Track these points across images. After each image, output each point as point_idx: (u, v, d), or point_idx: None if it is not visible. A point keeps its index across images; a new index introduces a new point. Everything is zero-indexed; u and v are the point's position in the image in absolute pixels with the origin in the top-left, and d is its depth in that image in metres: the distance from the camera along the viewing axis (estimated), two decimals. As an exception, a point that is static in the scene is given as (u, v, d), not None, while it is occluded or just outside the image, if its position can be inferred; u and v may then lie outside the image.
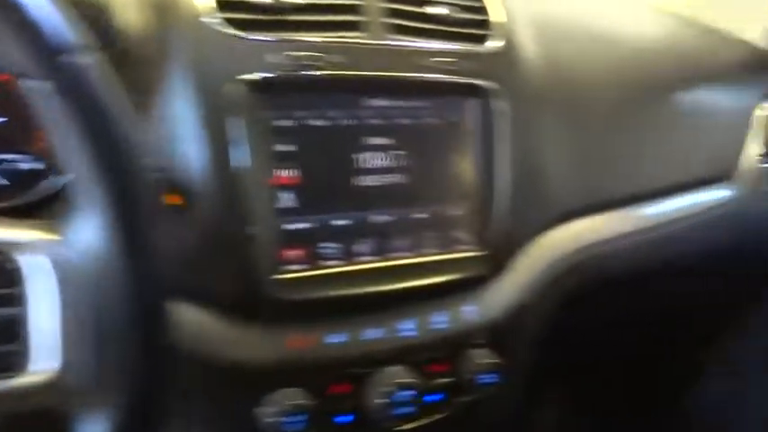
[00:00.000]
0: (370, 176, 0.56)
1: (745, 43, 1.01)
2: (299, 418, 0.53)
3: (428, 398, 0.59)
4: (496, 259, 0.62)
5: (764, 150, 0.91)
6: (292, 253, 0.53)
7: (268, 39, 0.52)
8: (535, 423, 1.28)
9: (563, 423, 1.29)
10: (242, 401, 0.53)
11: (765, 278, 1.02)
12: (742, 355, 1.10)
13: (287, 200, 0.53)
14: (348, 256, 0.56)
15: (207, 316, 0.52)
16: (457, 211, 0.60)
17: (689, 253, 0.82)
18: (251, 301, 0.52)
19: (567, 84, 0.74)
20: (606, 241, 0.73)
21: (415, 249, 0.58)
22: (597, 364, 1.20)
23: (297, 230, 0.53)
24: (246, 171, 0.50)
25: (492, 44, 0.62)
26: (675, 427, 1.18)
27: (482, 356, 0.61)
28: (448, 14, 0.60)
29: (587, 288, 0.72)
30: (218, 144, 0.50)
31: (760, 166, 0.91)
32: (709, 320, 1.09)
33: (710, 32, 1.00)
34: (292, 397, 0.53)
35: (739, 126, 0.91)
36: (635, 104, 0.81)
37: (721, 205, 0.86)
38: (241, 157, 0.50)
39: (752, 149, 0.91)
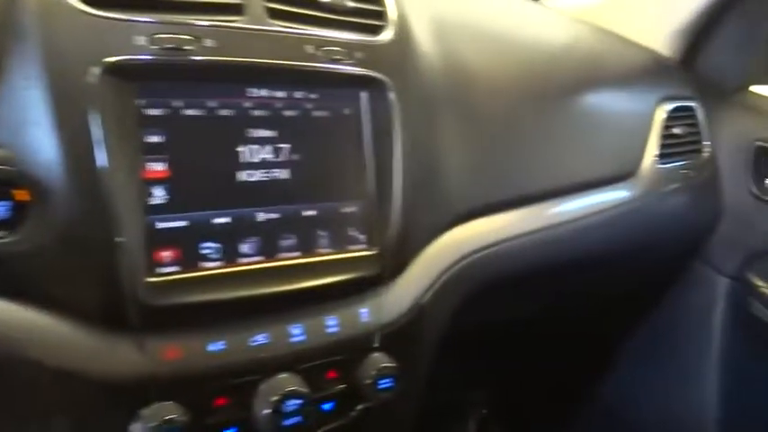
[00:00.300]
0: (254, 171, 0.53)
1: (644, 49, 1.04)
2: (176, 433, 0.48)
3: (320, 406, 0.56)
4: (392, 260, 0.59)
5: (662, 152, 0.93)
6: (166, 254, 0.49)
7: (135, 19, 0.48)
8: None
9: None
10: (113, 419, 0.48)
11: (664, 273, 1.05)
12: (647, 346, 1.12)
13: (159, 196, 0.48)
14: (230, 257, 0.52)
15: (71, 326, 0.47)
16: (349, 208, 0.58)
17: (591, 250, 0.83)
18: (120, 309, 0.47)
19: (466, 83, 0.73)
20: (506, 240, 0.72)
21: (304, 249, 0.55)
22: (506, 363, 1.21)
23: (171, 229, 0.49)
24: (110, 165, 0.46)
25: (385, 36, 0.60)
26: (588, 420, 1.20)
27: (377, 361, 0.58)
28: (339, 2, 0.57)
29: (488, 287, 0.71)
30: (77, 135, 0.45)
31: (658, 166, 0.93)
32: (614, 314, 1.12)
33: (611, 37, 1.03)
34: (169, 411, 0.48)
35: (640, 128, 0.94)
36: (536, 105, 0.81)
37: (622, 204, 0.87)
38: (104, 149, 0.45)
39: (651, 151, 0.93)
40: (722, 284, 1.01)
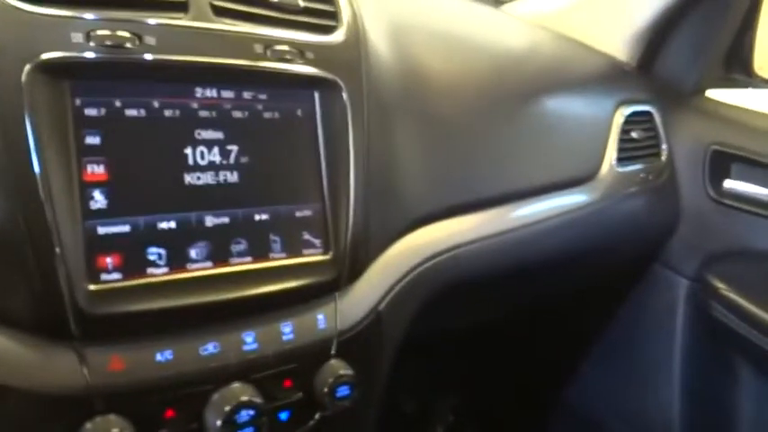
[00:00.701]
0: (202, 174, 0.51)
1: (602, 54, 1.05)
2: (121, 449, 0.46)
3: (276, 416, 0.54)
4: (348, 265, 0.58)
5: (620, 155, 0.94)
6: (109, 260, 0.47)
7: (73, 15, 0.46)
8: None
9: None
10: (49, 432, 0.46)
11: (625, 275, 1.05)
12: (611, 348, 1.13)
13: (99, 200, 0.46)
14: (177, 263, 0.50)
15: (6, 337, 0.45)
16: (303, 212, 0.56)
17: (550, 253, 0.83)
18: (60, 319, 0.45)
19: (423, 86, 0.72)
20: (466, 244, 0.71)
21: (255, 254, 0.53)
22: (472, 367, 1.20)
23: (113, 234, 0.47)
24: (46, 167, 0.44)
25: (337, 36, 0.59)
26: (555, 421, 1.20)
27: (334, 369, 0.56)
28: (289, 2, 0.56)
29: (448, 292, 0.70)
30: (10, 136, 0.43)
31: (616, 170, 0.93)
32: (576, 316, 1.12)
33: (570, 43, 1.03)
34: (113, 425, 0.46)
35: (598, 132, 0.94)
36: (494, 110, 0.81)
37: (581, 207, 0.87)
38: (38, 150, 0.43)
39: (609, 154, 0.93)
40: (682, 286, 1.01)
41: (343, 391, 0.56)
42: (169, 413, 0.49)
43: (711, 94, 1.11)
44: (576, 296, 1.06)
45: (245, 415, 0.51)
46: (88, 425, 0.46)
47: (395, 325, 0.65)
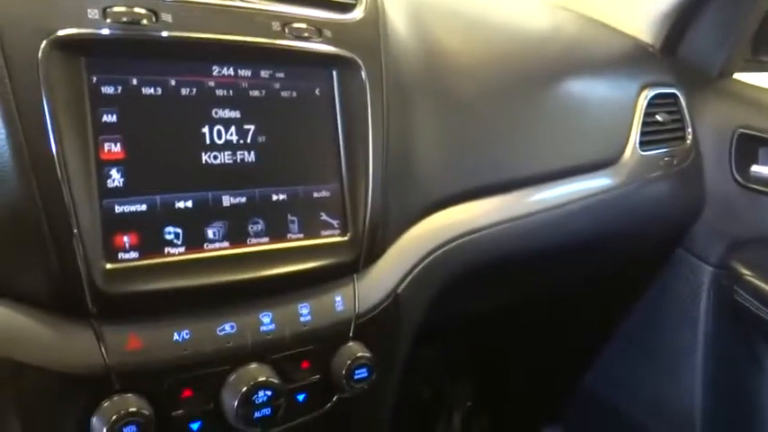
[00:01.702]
0: (219, 153, 0.50)
1: (626, 36, 1.03)
2: (140, 427, 0.46)
3: (293, 398, 0.54)
4: (367, 247, 0.57)
5: (644, 139, 0.92)
6: (126, 239, 0.47)
7: None
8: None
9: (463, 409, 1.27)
10: (71, 413, 0.46)
11: (648, 261, 1.03)
12: (633, 334, 1.11)
13: (115, 178, 0.46)
14: (195, 243, 0.49)
15: (25, 315, 0.45)
16: (321, 193, 0.55)
17: (572, 238, 0.81)
18: (78, 297, 0.45)
19: (443, 67, 0.71)
20: (485, 228, 0.70)
21: (273, 235, 0.53)
22: (491, 353, 1.19)
23: (130, 213, 0.47)
24: (62, 145, 0.43)
25: (356, 14, 0.58)
26: (574, 408, 1.19)
27: (352, 351, 0.56)
28: None
29: (467, 276, 0.69)
30: (27, 113, 0.43)
31: (640, 153, 0.91)
32: (598, 302, 1.10)
33: (593, 24, 1.01)
34: (131, 404, 0.46)
35: (622, 115, 0.92)
36: (515, 92, 0.80)
37: (604, 191, 0.86)
38: (54, 128, 0.43)
39: (633, 138, 0.92)
40: (706, 273, 0.99)
41: (361, 373, 0.56)
42: (186, 393, 0.49)
43: (738, 76, 1.08)
44: (598, 282, 1.04)
45: (262, 396, 0.50)
46: (106, 403, 0.46)
47: (413, 308, 0.64)
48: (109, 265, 0.45)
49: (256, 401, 0.50)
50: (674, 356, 1.05)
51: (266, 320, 0.52)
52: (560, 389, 1.21)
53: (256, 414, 0.50)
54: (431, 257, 0.65)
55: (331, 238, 0.56)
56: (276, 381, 0.51)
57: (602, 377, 1.16)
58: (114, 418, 0.45)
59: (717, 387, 1.02)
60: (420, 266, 0.64)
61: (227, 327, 0.51)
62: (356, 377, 0.55)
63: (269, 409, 0.51)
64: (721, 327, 1.00)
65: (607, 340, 1.14)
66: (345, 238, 0.56)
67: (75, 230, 0.44)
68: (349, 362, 0.55)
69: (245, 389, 0.50)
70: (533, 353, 1.22)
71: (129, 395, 0.46)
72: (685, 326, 1.02)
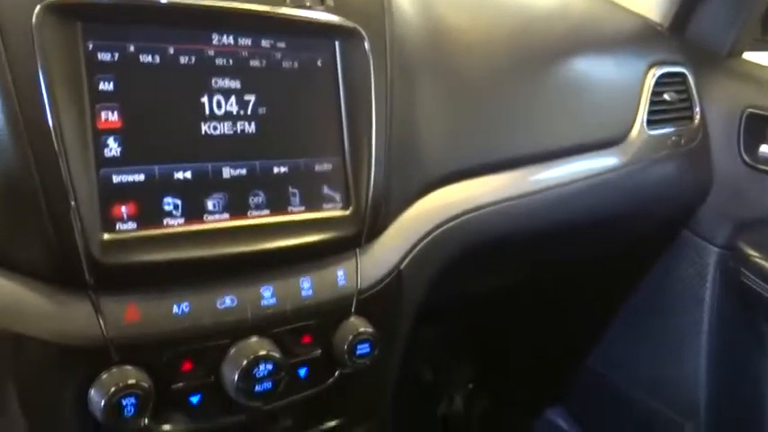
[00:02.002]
0: (218, 124, 0.50)
1: (634, 14, 1.01)
2: (139, 399, 0.45)
3: (294, 373, 0.53)
4: (369, 221, 0.56)
5: (651, 118, 0.91)
6: (123, 209, 0.46)
7: None
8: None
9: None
10: (69, 385, 0.46)
11: (654, 242, 1.02)
12: (637, 315, 1.10)
13: (113, 147, 0.45)
14: (194, 214, 0.49)
15: (21, 285, 0.44)
16: (323, 166, 0.55)
17: (577, 217, 0.80)
18: (75, 268, 0.44)
19: (448, 43, 0.70)
20: (489, 205, 0.69)
21: (274, 207, 0.52)
22: (492, 334, 1.19)
23: (128, 183, 0.46)
24: (58, 113, 0.42)
25: (359, -17, 0.57)
26: (577, 389, 1.18)
27: (354, 326, 0.55)
28: None
29: (470, 253, 0.68)
30: (21, 81, 0.42)
31: (647, 133, 0.90)
32: (602, 283, 1.09)
33: (601, 3, 1.00)
34: (130, 376, 0.46)
35: (629, 94, 0.91)
36: (521, 69, 0.78)
37: (609, 171, 0.85)
38: (49, 96, 0.42)
39: (640, 117, 0.90)
40: (713, 254, 0.98)
41: (363, 348, 0.55)
42: (186, 366, 0.49)
43: (748, 56, 1.06)
44: (602, 263, 1.03)
45: (263, 369, 0.50)
46: (104, 375, 0.45)
47: (416, 285, 0.63)
48: (106, 236, 0.45)
49: (257, 375, 0.50)
50: (679, 338, 1.04)
51: (267, 294, 0.52)
52: (563, 370, 1.20)
53: (257, 388, 0.50)
54: (434, 234, 0.64)
55: (333, 211, 0.55)
56: (277, 355, 0.51)
57: (605, 359, 1.15)
58: (113, 390, 0.45)
59: (721, 369, 1.02)
60: (423, 243, 0.63)
61: (228, 300, 0.50)
62: (358, 352, 0.55)
63: (270, 383, 0.50)
64: (727, 309, 0.99)
65: (610, 321, 1.13)
66: (347, 212, 0.55)
67: (72, 201, 0.43)
68: (351, 337, 0.55)
69: (245, 362, 0.49)
70: (535, 334, 1.21)
71: (128, 367, 0.46)
72: (690, 308, 1.01)
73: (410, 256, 0.61)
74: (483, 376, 1.28)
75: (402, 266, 0.60)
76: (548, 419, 1.25)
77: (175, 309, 0.48)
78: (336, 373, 0.56)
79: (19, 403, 0.46)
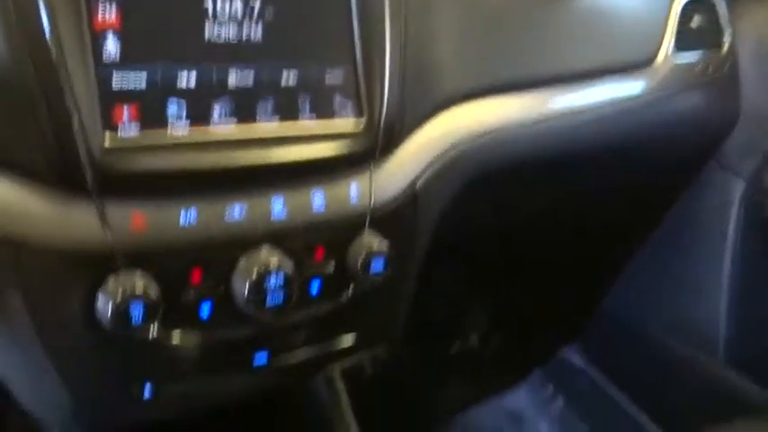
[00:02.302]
0: (223, 27, 0.47)
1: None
2: (147, 306, 0.44)
3: (304, 288, 0.52)
4: (383, 134, 0.54)
5: (678, 45, 0.87)
6: (124, 113, 0.44)
7: None
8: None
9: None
10: (74, 293, 0.45)
11: (677, 174, 0.99)
12: (656, 252, 1.08)
13: (111, 47, 0.43)
14: (199, 121, 0.46)
15: (22, 189, 0.43)
16: (334, 74, 0.52)
17: (598, 145, 0.77)
18: (75, 173, 0.42)
19: None
20: (507, 126, 0.66)
21: (283, 114, 0.49)
22: (508, 273, 1.17)
23: (129, 84, 0.44)
24: (52, 11, 0.40)
25: None
26: (592, 331, 1.17)
27: (367, 242, 0.54)
28: None
29: (487, 177, 0.66)
30: None
31: (673, 61, 0.86)
32: (622, 217, 1.07)
33: None
34: (138, 282, 0.44)
35: (655, 18, 0.86)
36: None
37: (633, 98, 0.81)
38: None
39: (666, 43, 0.86)
40: (738, 188, 0.95)
41: (377, 265, 0.53)
42: (195, 277, 0.48)
43: (783, -19, 1.01)
44: (623, 194, 1.00)
45: (274, 281, 0.48)
46: (111, 280, 0.44)
47: (431, 206, 0.61)
48: (108, 140, 0.43)
49: (268, 287, 0.48)
50: (700, 275, 1.02)
51: (278, 206, 0.50)
52: (580, 309, 1.19)
53: (268, 301, 0.49)
54: (450, 153, 0.61)
55: (345, 121, 0.52)
56: (289, 266, 0.49)
57: (624, 297, 1.13)
58: (120, 294, 0.43)
59: (743, 307, 1.00)
60: (439, 162, 0.61)
61: (237, 210, 0.48)
62: (372, 269, 0.53)
63: (281, 295, 0.49)
64: (750, 245, 0.97)
65: (630, 258, 1.11)
66: (361, 123, 0.53)
67: (71, 103, 0.41)
68: (364, 253, 0.53)
69: (256, 274, 0.48)
70: (552, 271, 1.19)
71: (136, 273, 0.45)
72: (712, 243, 0.98)
73: (426, 174, 0.59)
74: (498, 315, 1.27)
75: (418, 185, 0.58)
76: (563, 359, 1.24)
77: (182, 219, 0.46)
78: (349, 290, 0.55)
79: (25, 313, 0.45)
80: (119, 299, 0.43)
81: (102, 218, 0.44)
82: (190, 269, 0.47)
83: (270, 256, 0.49)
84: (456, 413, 1.18)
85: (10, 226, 0.42)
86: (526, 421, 1.21)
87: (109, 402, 0.50)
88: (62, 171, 0.43)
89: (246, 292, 0.48)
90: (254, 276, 0.48)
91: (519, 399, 1.23)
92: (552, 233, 1.11)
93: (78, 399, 0.49)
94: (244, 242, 0.49)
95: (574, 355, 1.23)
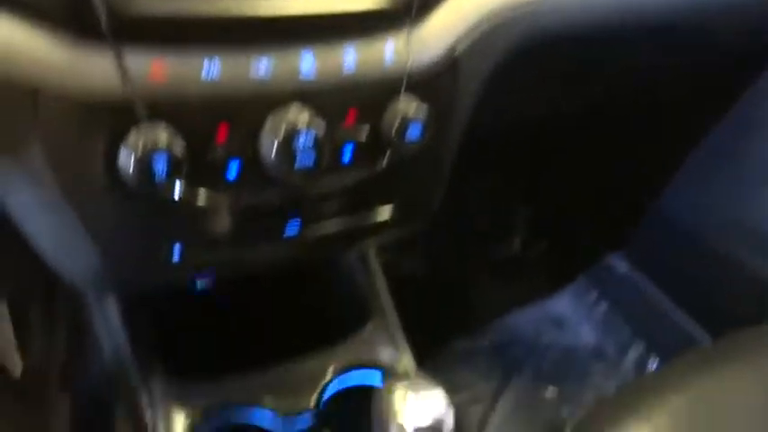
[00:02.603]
0: None
1: None
2: (171, 160, 0.42)
3: (335, 152, 0.49)
4: None
5: None
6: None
7: None
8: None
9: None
10: (94, 147, 0.43)
11: (737, 56, 0.91)
12: (715, 147, 1.02)
13: None
14: (223, -38, 0.43)
15: (28, 30, 0.40)
16: None
17: (654, 17, 0.70)
18: (88, 12, 0.40)
19: None
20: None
21: None
22: (553, 172, 1.12)
23: None
24: None
25: None
26: (642, 233, 1.12)
27: (404, 106, 0.50)
28: None
29: (534, 51, 0.60)
30: None
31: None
32: (676, 108, 1.00)
33: None
34: (161, 133, 0.42)
35: None
36: None
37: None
38: None
39: None
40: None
41: (414, 131, 0.50)
42: (221, 134, 0.45)
43: None
44: (680, 81, 0.93)
45: (303, 140, 0.46)
46: (133, 133, 0.42)
47: (472, 75, 0.57)
48: None
49: (297, 147, 0.46)
50: (758, 173, 0.95)
51: (307, 62, 0.46)
52: (626, 212, 1.14)
53: (297, 162, 0.46)
54: (495, 17, 0.56)
55: (379, -27, 0.48)
56: (319, 127, 0.46)
57: (675, 197, 1.08)
58: (142, 148, 0.41)
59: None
60: (481, 27, 0.56)
61: (264, 63, 0.45)
62: (408, 135, 0.50)
63: (311, 157, 0.46)
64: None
65: (682, 155, 1.04)
66: None
67: None
68: (400, 117, 0.49)
69: (284, 130, 0.45)
70: (599, 172, 1.14)
71: (159, 126, 0.42)
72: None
73: (467, 40, 0.55)
74: (541, 219, 1.23)
75: (458, 51, 0.54)
76: (608, 265, 1.20)
77: (205, 70, 0.43)
78: (384, 158, 0.52)
79: (48, 168, 0.44)
80: (140, 151, 0.41)
81: (120, 65, 0.41)
82: (215, 125, 0.45)
83: (299, 115, 0.46)
84: (497, 317, 1.17)
85: (24, 70, 0.40)
86: (568, 326, 1.19)
87: (138, 263, 0.49)
88: (75, 11, 0.40)
89: (275, 152, 0.45)
90: (281, 134, 0.45)
91: (562, 304, 1.21)
92: (598, 130, 1.05)
93: (108, 259, 0.48)
94: (271, 99, 0.46)
95: (619, 262, 1.19)
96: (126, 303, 0.64)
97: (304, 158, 0.46)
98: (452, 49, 0.54)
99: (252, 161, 0.46)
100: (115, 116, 0.42)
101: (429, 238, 1.04)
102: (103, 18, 0.40)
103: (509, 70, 0.61)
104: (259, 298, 0.72)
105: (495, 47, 0.58)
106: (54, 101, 0.41)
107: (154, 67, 0.42)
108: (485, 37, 0.56)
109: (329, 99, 0.48)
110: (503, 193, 1.19)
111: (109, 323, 0.64)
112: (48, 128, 0.42)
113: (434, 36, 0.52)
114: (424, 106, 0.50)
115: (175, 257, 0.49)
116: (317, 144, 0.46)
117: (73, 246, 0.48)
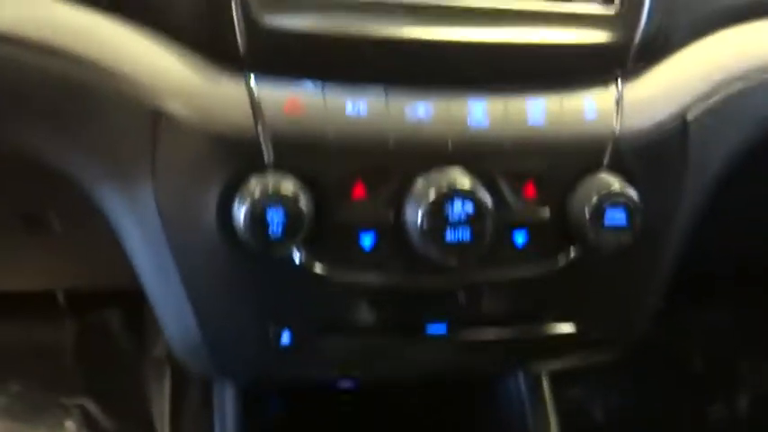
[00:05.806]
0: None
1: None
2: (289, 215, 0.33)
3: (503, 233, 0.37)
4: (642, 33, 0.38)
5: None
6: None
7: None
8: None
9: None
10: (208, 186, 0.35)
11: None
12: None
13: None
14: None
15: (162, 52, 0.35)
16: None
17: None
18: (224, 33, 0.34)
19: None
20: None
21: None
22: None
23: None
24: None
25: None
26: None
27: (603, 183, 0.37)
28: None
29: None
30: None
31: None
32: None
33: None
34: (283, 182, 0.34)
35: None
36: None
37: None
38: None
39: None
40: None
41: (616, 217, 0.36)
42: (358, 190, 0.36)
43: None
44: None
45: (458, 209, 0.34)
46: (253, 179, 0.34)
47: (709, 150, 0.42)
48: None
49: (450, 216, 0.34)
50: None
51: (477, 111, 0.36)
52: None
53: (449, 235, 0.35)
54: (737, 83, 0.42)
55: (587, 6, 0.37)
56: (483, 194, 0.35)
57: None
58: (259, 193, 0.33)
59: None
60: (721, 92, 0.41)
61: (421, 108, 0.36)
62: (607, 222, 0.36)
63: (467, 231, 0.35)
64: None
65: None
66: (609, 12, 0.37)
67: None
68: (597, 197, 0.36)
69: (434, 194, 0.34)
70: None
71: (283, 174, 0.34)
72: None
73: (705, 102, 0.40)
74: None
75: (691, 114, 0.40)
76: None
77: (350, 107, 0.35)
78: (570, 250, 0.38)
79: (155, 211, 0.37)
80: (256, 196, 0.33)
81: (251, 94, 0.34)
82: (351, 180, 0.35)
83: (458, 175, 0.35)
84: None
85: (147, 92, 0.35)
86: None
87: (239, 342, 0.40)
88: (209, 30, 0.35)
89: (421, 219, 0.34)
90: (432, 198, 0.34)
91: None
92: None
93: (206, 332, 0.40)
94: (426, 152, 0.36)
95: None
96: (243, 393, 0.55)
97: (457, 231, 0.35)
98: (682, 111, 0.40)
99: (392, 231, 0.36)
100: (236, 152, 0.35)
101: (632, 368, 0.82)
102: (239, 35, 0.34)
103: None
104: (397, 413, 0.59)
105: (740, 120, 0.43)
106: (175, 127, 0.35)
107: (289, 100, 0.35)
108: (725, 105, 0.42)
109: (502, 160, 0.36)
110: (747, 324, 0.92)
111: (223, 409, 0.56)
112: (163, 158, 0.36)
113: (656, 93, 0.40)
114: (634, 186, 0.37)
115: (285, 340, 0.39)
116: (480, 215, 0.35)
117: (176, 315, 0.41)
